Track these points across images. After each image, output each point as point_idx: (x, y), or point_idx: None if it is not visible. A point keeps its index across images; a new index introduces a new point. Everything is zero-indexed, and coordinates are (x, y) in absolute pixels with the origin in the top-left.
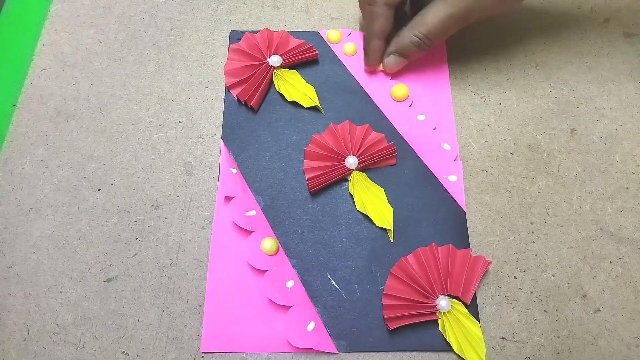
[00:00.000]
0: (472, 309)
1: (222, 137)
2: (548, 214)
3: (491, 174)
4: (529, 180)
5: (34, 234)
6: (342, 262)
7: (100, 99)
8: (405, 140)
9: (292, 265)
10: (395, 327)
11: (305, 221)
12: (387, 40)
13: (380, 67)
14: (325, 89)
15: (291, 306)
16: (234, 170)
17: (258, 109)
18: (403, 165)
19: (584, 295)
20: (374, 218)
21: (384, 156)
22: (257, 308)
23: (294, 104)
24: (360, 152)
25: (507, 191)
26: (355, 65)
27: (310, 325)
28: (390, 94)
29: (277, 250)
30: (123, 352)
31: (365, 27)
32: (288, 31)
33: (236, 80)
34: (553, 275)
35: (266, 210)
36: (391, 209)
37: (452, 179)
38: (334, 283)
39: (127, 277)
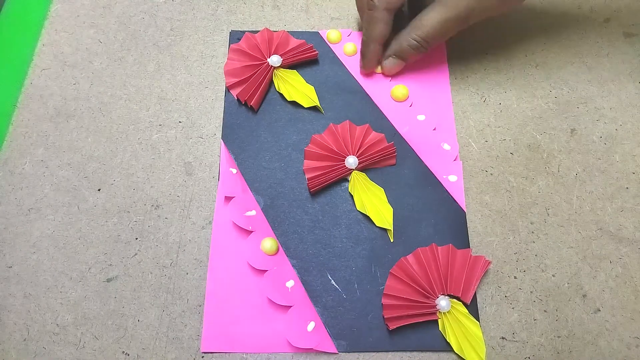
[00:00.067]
0: (472, 309)
1: (222, 137)
2: (548, 214)
3: (491, 174)
4: (529, 180)
5: (34, 234)
6: (342, 262)
7: (100, 99)
8: (405, 140)
9: (292, 265)
10: (395, 327)
11: (305, 221)
12: (386, 44)
13: (378, 70)
14: (325, 89)
15: (291, 306)
16: (234, 170)
17: (258, 109)
18: (403, 165)
19: (584, 295)
20: (374, 218)
21: (384, 156)
22: (257, 308)
23: (294, 104)
24: (360, 152)
25: (507, 191)
26: (355, 65)
27: (310, 325)
28: (390, 94)
29: (277, 250)
30: (123, 352)
31: (364, 31)
32: (288, 31)
33: (236, 80)
34: (553, 275)
35: (266, 210)
36: (391, 209)
37: (452, 179)
38: (334, 283)
39: (127, 277)
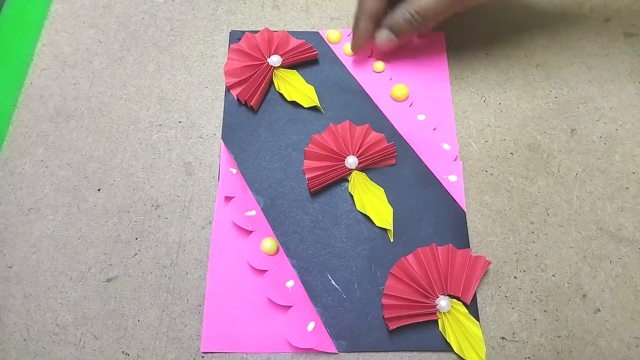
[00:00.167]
0: (472, 309)
1: (222, 137)
2: (548, 214)
3: (491, 174)
4: (529, 180)
5: (34, 234)
6: (342, 262)
7: (100, 99)
8: (405, 140)
9: (292, 265)
10: (395, 327)
11: (305, 221)
12: (379, 25)
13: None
14: (325, 89)
15: (291, 306)
16: (234, 170)
17: (258, 109)
18: (403, 165)
19: (584, 295)
20: (374, 218)
21: (384, 156)
22: (257, 308)
23: (294, 104)
24: (360, 152)
25: (507, 191)
26: (355, 66)
27: (310, 325)
28: (390, 94)
29: (277, 250)
30: (123, 352)
31: (357, 6)
32: (288, 31)
33: (236, 80)
34: (553, 275)
35: (266, 210)
36: (391, 209)
37: (452, 179)
38: (334, 283)
39: (127, 277)
